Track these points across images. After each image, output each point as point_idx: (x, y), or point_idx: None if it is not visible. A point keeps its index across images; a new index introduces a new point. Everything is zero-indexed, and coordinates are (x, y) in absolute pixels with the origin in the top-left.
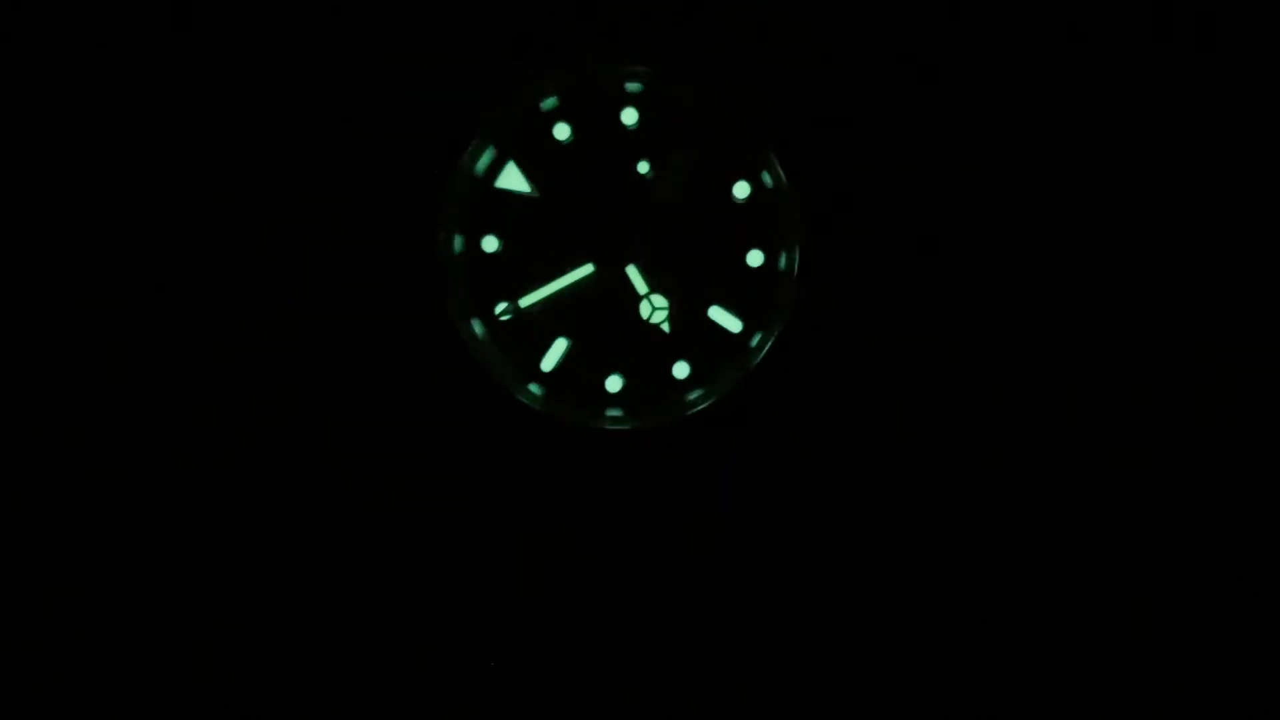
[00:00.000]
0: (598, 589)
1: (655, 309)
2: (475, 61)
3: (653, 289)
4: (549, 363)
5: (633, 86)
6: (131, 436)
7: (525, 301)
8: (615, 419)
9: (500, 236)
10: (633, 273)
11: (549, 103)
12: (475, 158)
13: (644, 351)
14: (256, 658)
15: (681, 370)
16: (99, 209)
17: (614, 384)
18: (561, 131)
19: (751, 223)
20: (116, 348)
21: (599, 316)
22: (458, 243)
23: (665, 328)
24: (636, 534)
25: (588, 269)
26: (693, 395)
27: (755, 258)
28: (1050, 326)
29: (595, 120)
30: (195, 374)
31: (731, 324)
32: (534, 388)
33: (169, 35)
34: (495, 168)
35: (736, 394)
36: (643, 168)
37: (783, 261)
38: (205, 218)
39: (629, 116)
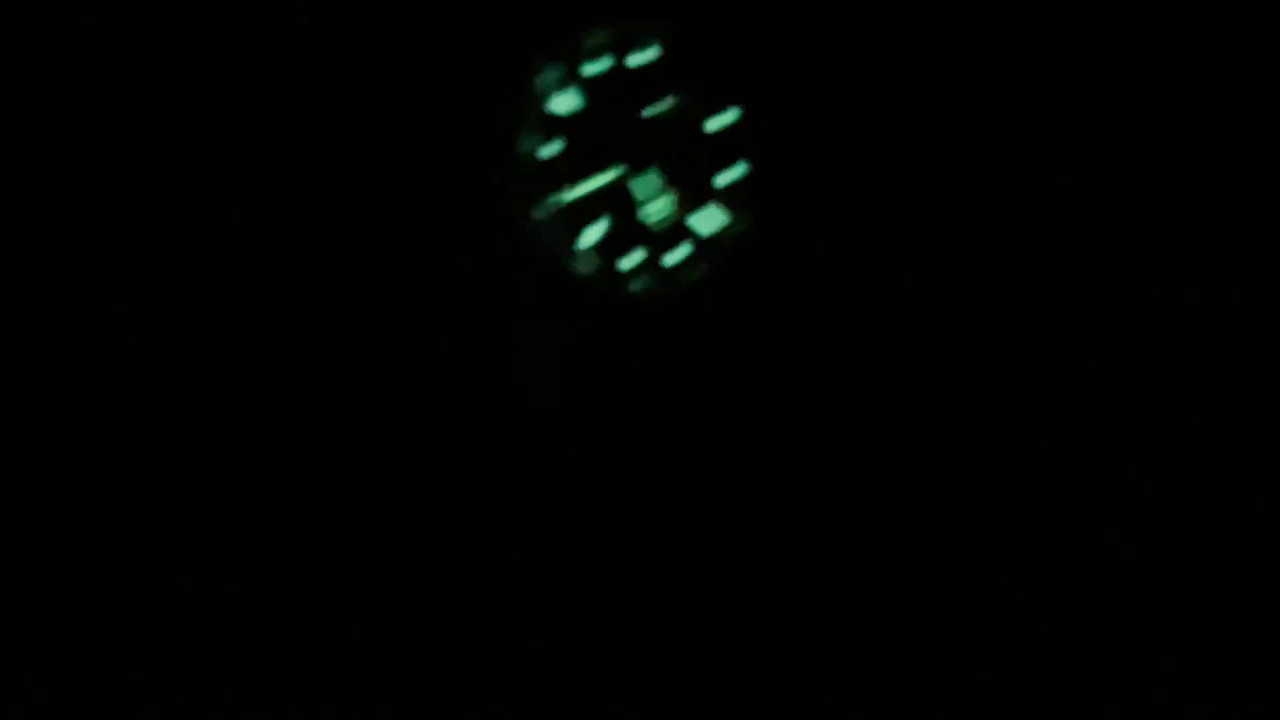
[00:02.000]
0: (620, 438)
1: (668, 201)
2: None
3: (666, 187)
4: (586, 241)
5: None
6: (216, 365)
7: (571, 195)
8: (640, 287)
9: (556, 143)
10: (653, 175)
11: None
12: (545, 80)
13: (661, 235)
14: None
15: (685, 250)
16: (186, 171)
17: (636, 258)
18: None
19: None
20: (223, 295)
21: (628, 207)
22: (523, 146)
23: (673, 218)
24: (660, 387)
25: (619, 170)
26: (696, 268)
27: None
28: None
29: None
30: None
31: (722, 220)
32: (577, 261)
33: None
34: (558, 90)
35: (727, 270)
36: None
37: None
38: (290, 147)
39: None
